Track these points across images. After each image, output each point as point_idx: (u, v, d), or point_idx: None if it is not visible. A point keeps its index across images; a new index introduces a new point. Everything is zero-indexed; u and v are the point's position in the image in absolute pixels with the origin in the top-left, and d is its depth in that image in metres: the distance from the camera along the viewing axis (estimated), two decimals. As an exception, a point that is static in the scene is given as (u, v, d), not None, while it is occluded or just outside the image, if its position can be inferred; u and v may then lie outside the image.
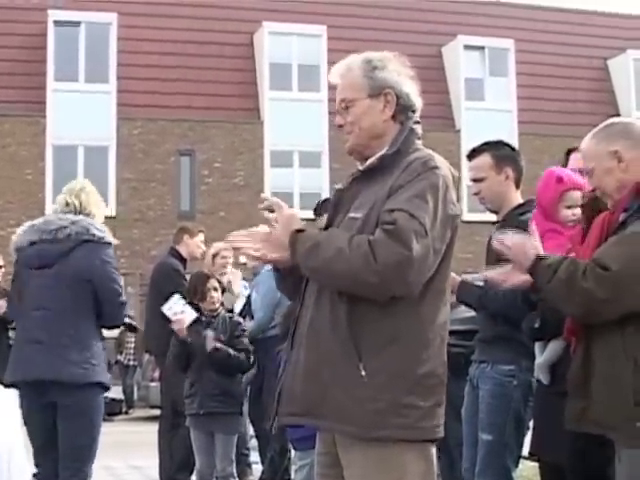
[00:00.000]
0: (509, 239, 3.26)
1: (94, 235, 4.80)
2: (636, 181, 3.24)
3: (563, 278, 3.11)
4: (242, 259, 7.61)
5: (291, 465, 6.43)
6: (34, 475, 4.91)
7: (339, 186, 3.10)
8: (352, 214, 2.94)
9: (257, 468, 7.71)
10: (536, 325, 3.89)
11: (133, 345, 18.22)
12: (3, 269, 8.18)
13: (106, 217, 5.21)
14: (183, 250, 7.71)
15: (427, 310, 2.88)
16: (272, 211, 2.97)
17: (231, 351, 6.03)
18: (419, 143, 3.03)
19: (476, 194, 4.64)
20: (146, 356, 15.68)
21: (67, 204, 4.93)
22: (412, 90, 3.04)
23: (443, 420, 2.90)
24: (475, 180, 4.62)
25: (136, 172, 23.93)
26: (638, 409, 3.03)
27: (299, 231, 2.90)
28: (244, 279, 8.15)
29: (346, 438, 2.86)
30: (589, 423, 3.18)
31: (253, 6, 25.59)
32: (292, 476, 6.19)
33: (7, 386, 4.98)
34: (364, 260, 2.74)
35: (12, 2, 24.02)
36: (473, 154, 4.65)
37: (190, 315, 6.09)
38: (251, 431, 7.95)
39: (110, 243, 4.89)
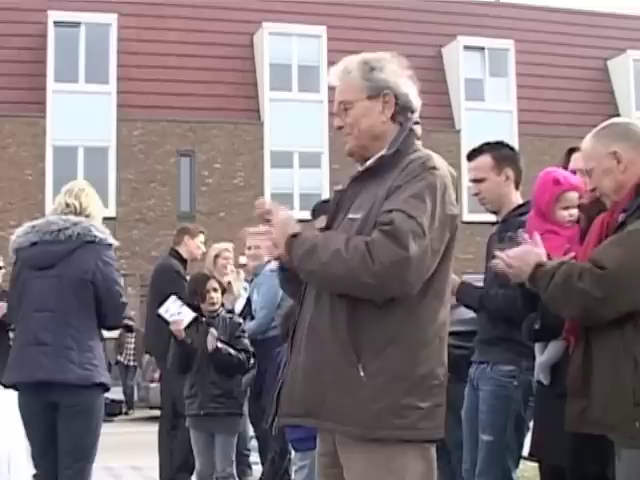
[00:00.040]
0: (507, 257, 3.29)
1: (96, 236, 4.79)
2: (635, 182, 3.24)
3: (560, 282, 3.12)
4: (242, 260, 7.61)
5: (291, 466, 6.42)
6: (33, 476, 4.92)
7: (339, 187, 3.10)
8: (351, 215, 2.94)
9: (257, 469, 7.69)
10: (536, 326, 3.89)
11: (133, 346, 18.20)
12: (3, 270, 8.17)
13: (106, 218, 5.21)
14: (183, 251, 7.71)
15: (426, 311, 2.88)
16: (267, 220, 2.97)
17: (232, 351, 6.03)
18: (418, 143, 3.02)
19: (476, 195, 4.64)
20: (146, 357, 15.65)
21: (67, 205, 4.92)
22: (411, 90, 3.04)
23: (443, 421, 2.90)
24: (475, 181, 4.62)
25: (136, 173, 23.92)
26: (638, 409, 3.03)
27: (295, 235, 2.90)
28: (245, 280, 8.13)
29: (346, 439, 2.87)
30: (589, 423, 3.18)
31: (253, 7, 25.58)
32: (292, 477, 6.19)
33: (7, 387, 4.97)
34: (361, 262, 2.74)
35: (12, 3, 24.01)
36: (473, 155, 4.65)
37: (188, 316, 6.08)
38: (251, 432, 7.94)
39: (111, 244, 4.89)
